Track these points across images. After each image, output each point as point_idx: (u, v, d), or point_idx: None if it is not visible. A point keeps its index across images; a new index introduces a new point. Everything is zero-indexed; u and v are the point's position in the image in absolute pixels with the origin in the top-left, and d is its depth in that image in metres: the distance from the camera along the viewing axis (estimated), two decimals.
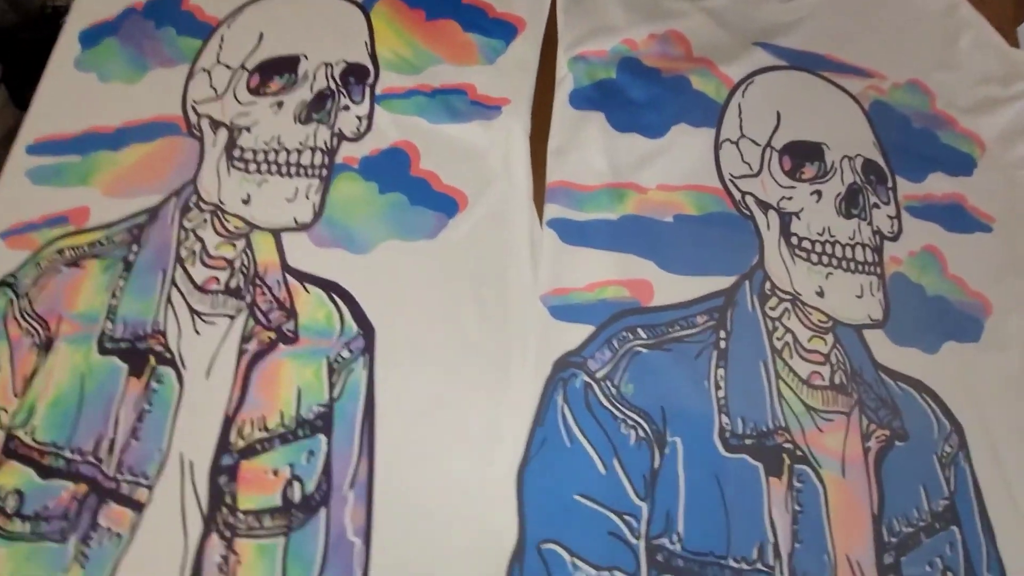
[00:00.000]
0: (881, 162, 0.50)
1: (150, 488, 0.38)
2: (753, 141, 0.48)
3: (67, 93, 0.51)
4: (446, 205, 0.43)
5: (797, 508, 0.39)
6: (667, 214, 0.44)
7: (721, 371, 0.41)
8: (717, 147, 0.47)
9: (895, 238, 0.48)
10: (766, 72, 0.50)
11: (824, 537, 0.39)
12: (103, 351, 0.41)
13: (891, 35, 0.55)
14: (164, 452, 0.38)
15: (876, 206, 0.48)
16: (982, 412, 0.44)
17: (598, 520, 0.37)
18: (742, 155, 0.47)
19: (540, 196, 0.44)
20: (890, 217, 0.48)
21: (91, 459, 0.39)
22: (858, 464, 0.41)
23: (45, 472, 0.39)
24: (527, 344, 0.40)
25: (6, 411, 0.40)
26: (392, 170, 0.44)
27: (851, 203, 0.47)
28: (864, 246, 0.46)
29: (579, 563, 0.35)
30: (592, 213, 0.43)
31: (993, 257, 0.50)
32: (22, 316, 0.43)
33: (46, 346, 0.42)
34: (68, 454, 0.39)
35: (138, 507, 0.37)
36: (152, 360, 0.41)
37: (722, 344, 0.42)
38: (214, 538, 0.36)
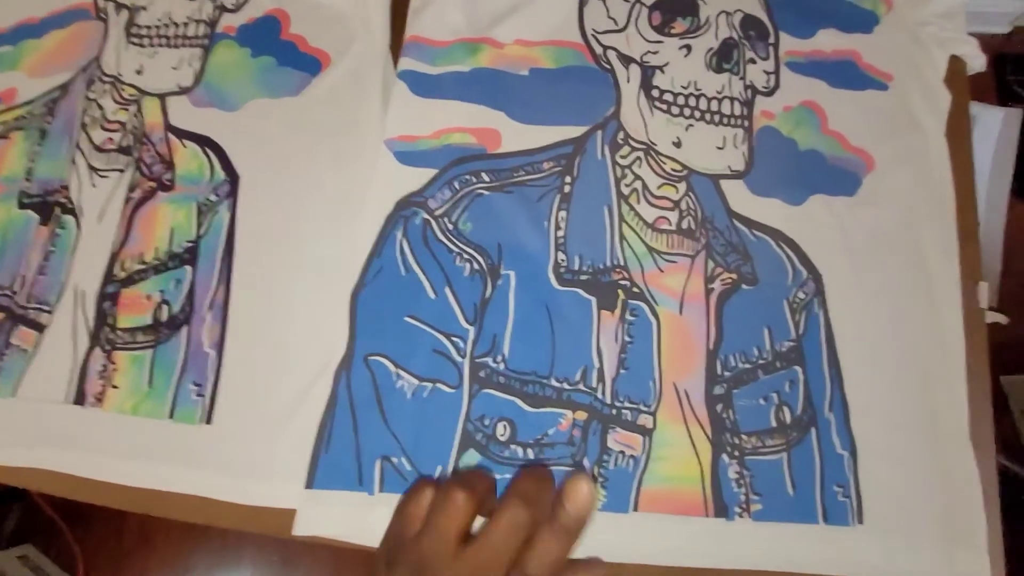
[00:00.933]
0: (764, 18, 0.48)
1: (50, 313, 0.43)
2: None
3: None
4: (310, 65, 0.46)
5: (627, 339, 0.41)
6: (523, 68, 0.45)
7: (563, 213, 0.43)
8: (582, 4, 0.47)
9: (770, 93, 0.47)
10: None
11: (651, 366, 0.40)
12: (21, 206, 0.47)
13: None
14: (63, 284, 0.44)
15: (752, 61, 0.47)
16: (847, 264, 0.44)
17: (424, 338, 0.40)
18: (608, 10, 0.47)
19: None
20: (767, 72, 0.47)
21: (7, 292, 0.45)
22: (697, 303, 0.42)
23: None
24: (378, 184, 0.42)
25: None
26: (264, 36, 0.47)
27: (723, 58, 0.46)
28: (732, 100, 0.46)
29: (403, 373, 0.39)
30: (444, 67, 0.45)
31: (885, 114, 0.48)
32: None
33: None
34: None
35: (41, 328, 0.43)
36: (57, 210, 0.46)
37: (566, 189, 0.43)
38: (97, 351, 0.42)
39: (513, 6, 0.46)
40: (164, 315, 0.42)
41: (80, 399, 0.41)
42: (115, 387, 0.41)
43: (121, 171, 0.46)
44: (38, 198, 0.47)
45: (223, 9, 0.49)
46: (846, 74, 0.48)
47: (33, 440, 0.40)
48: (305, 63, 0.46)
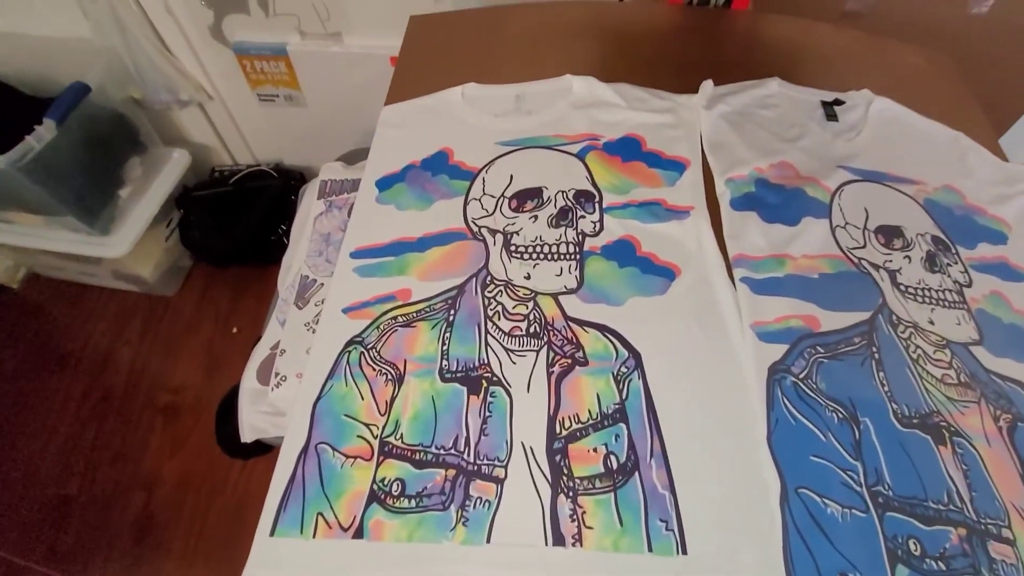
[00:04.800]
0: (943, 236, 0.72)
1: (504, 467, 0.53)
2: (855, 226, 0.70)
3: (374, 218, 0.75)
4: (667, 273, 0.64)
5: (964, 467, 0.54)
6: (813, 273, 0.65)
7: (882, 374, 0.58)
8: (833, 231, 0.69)
9: None
10: (850, 184, 0.74)
11: (989, 486, 0.53)
12: (444, 380, 0.59)
13: (921, 155, 0.81)
14: (509, 442, 0.54)
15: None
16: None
17: (831, 473, 0.51)
18: (850, 235, 0.69)
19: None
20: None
21: (452, 452, 0.54)
22: (996, 437, 0.56)
23: (418, 464, 0.54)
24: (749, 356, 0.58)
25: (376, 426, 0.57)
26: (624, 253, 0.66)
27: (932, 264, 0.68)
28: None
29: (828, 502, 0.50)
30: (765, 274, 0.64)
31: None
32: (373, 362, 0.62)
33: (398, 380, 0.60)
34: (434, 449, 0.55)
35: (498, 481, 0.52)
36: (484, 383, 0.58)
37: (876, 355, 0.60)
38: (562, 497, 0.51)
39: (793, 233, 0.68)
40: (614, 464, 0.52)
41: (559, 540, 0.49)
42: (589, 527, 0.49)
43: (536, 352, 0.60)
44: (461, 373, 0.60)
45: (584, 235, 0.69)
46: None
47: None
48: (662, 271, 0.64)
